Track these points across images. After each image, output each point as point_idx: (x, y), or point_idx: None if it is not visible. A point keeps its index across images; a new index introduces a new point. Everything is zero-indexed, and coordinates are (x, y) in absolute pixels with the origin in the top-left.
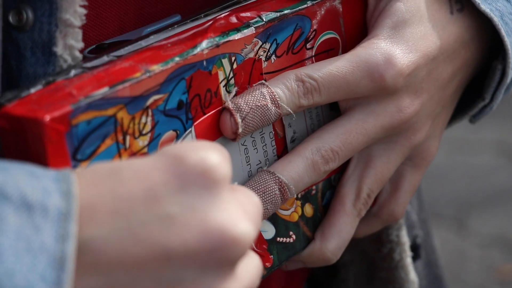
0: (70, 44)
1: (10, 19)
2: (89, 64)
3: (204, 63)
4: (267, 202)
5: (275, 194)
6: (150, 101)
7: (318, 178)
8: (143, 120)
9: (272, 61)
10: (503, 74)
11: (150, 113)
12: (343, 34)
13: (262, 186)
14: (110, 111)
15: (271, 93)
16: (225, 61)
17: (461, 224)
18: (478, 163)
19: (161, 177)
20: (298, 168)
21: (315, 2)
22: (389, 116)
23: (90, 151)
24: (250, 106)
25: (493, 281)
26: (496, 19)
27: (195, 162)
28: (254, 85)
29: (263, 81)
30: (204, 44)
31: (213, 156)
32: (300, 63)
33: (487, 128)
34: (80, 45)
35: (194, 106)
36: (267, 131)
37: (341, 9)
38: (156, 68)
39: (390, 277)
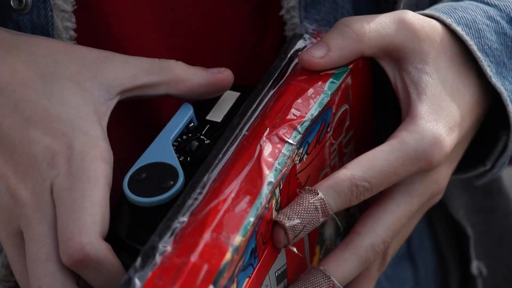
0: (65, 26)
1: (12, 3)
2: (163, 242)
3: (267, 205)
4: None
5: None
6: (236, 271)
7: (365, 268)
8: None
9: (304, 159)
10: (505, 145)
11: (236, 280)
12: (351, 103)
13: None
14: None
15: (324, 206)
16: (277, 190)
17: None
18: None
19: None
20: (352, 268)
21: (334, 90)
22: (430, 193)
23: None
24: (304, 224)
25: None
26: (505, 94)
27: None
28: (305, 194)
29: (314, 190)
30: (266, 188)
31: None
32: (322, 149)
33: None
34: (74, 25)
35: (258, 245)
36: None
37: (350, 82)
38: (239, 240)
39: None
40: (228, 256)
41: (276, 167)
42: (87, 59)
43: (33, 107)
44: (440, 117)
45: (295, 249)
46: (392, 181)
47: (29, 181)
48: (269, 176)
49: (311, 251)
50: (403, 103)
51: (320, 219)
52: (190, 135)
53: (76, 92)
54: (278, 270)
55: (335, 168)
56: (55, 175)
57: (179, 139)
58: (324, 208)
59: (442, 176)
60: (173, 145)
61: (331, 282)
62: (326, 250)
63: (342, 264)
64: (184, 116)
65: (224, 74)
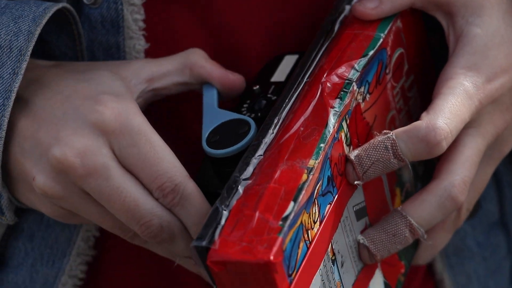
0: (135, 18)
1: None
2: (244, 175)
3: (335, 135)
4: (397, 243)
5: (405, 236)
6: (315, 193)
7: (452, 212)
8: (314, 210)
9: (367, 99)
10: None
11: (316, 202)
12: (405, 46)
13: (393, 228)
14: (298, 222)
15: (394, 147)
16: (344, 124)
17: None
18: None
19: None
20: (431, 208)
21: (386, 31)
22: (490, 135)
23: (293, 263)
24: (372, 161)
25: None
26: None
27: None
28: (378, 136)
29: (388, 132)
30: (332, 118)
31: None
32: (384, 91)
33: None
34: (143, 16)
35: (335, 175)
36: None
37: (401, 26)
38: (313, 163)
39: None
40: (304, 176)
41: (339, 101)
42: (120, 62)
43: (72, 88)
44: (483, 65)
45: (358, 183)
46: (463, 121)
47: (78, 144)
48: (334, 108)
49: (391, 192)
50: (450, 53)
51: (392, 160)
52: (257, 97)
53: (110, 76)
54: (356, 205)
55: (401, 111)
56: (107, 131)
57: (248, 101)
58: (395, 149)
59: (497, 118)
60: (243, 107)
61: (407, 221)
62: (406, 193)
63: (420, 204)
64: (212, 87)
65: (236, 77)
